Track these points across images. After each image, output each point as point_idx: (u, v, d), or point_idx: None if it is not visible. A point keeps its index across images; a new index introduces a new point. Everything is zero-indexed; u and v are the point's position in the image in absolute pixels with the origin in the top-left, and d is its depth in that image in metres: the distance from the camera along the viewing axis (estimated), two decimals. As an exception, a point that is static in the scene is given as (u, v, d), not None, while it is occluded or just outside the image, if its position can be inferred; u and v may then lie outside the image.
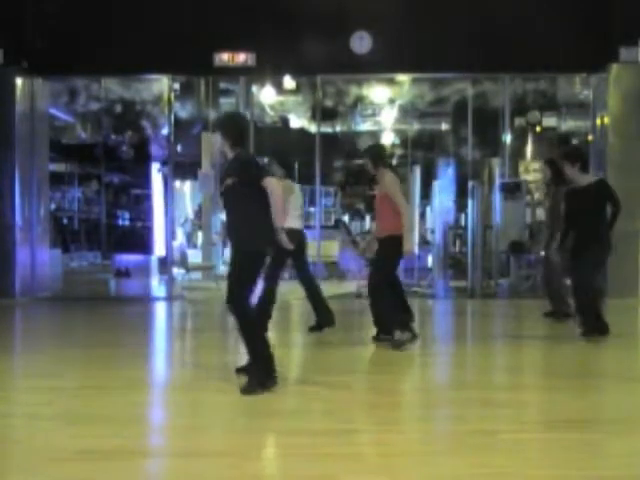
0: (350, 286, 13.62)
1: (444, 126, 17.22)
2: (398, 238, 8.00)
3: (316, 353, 8.38)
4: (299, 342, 8.86)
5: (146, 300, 13.41)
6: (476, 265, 13.16)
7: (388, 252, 8.15)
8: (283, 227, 6.53)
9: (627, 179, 12.70)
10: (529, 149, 15.79)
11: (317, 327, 9.24)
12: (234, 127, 6.36)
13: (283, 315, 10.80)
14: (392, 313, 8.13)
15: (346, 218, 18.50)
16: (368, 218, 19.04)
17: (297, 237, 8.92)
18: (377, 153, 8.44)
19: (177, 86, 14.46)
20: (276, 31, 12.89)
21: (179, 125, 14.79)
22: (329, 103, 15.84)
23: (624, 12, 12.48)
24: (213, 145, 6.36)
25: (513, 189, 13.42)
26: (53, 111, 14.26)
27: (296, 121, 17.41)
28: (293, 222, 8.85)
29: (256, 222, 6.16)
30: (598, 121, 13.21)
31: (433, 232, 13.71)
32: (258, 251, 6.21)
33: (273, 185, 6.14)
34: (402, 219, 8.02)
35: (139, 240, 14.88)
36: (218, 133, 6.36)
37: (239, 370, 6.56)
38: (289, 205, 8.86)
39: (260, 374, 6.06)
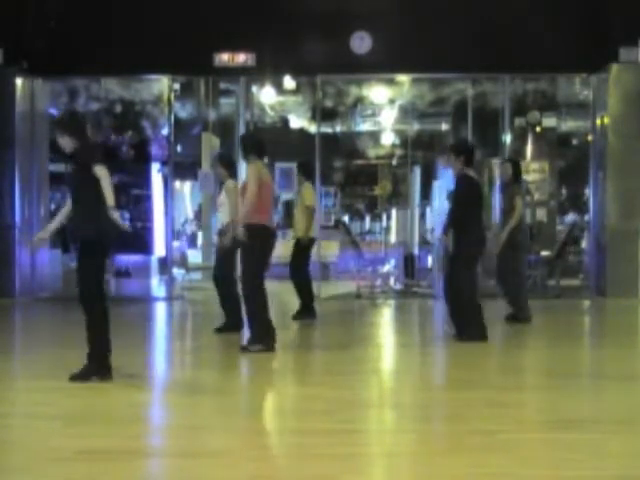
0: (350, 286, 13.61)
1: (444, 126, 17.18)
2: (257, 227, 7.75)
3: (316, 353, 8.39)
4: (299, 343, 8.86)
5: (146, 300, 13.41)
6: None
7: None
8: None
9: (627, 179, 12.71)
10: (529, 149, 15.76)
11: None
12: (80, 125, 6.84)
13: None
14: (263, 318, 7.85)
15: (346, 218, 18.47)
16: (368, 218, 19.01)
17: None
18: (249, 143, 8.15)
19: (177, 86, 14.43)
20: (276, 31, 12.88)
21: (179, 125, 14.76)
22: (329, 103, 15.80)
23: (624, 12, 12.47)
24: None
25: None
26: (53, 111, 14.23)
27: (296, 121, 17.39)
28: None
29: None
30: (598, 121, 13.20)
31: (433, 232, 13.68)
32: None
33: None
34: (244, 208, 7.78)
35: (139, 240, 14.84)
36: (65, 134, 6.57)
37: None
38: None
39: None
